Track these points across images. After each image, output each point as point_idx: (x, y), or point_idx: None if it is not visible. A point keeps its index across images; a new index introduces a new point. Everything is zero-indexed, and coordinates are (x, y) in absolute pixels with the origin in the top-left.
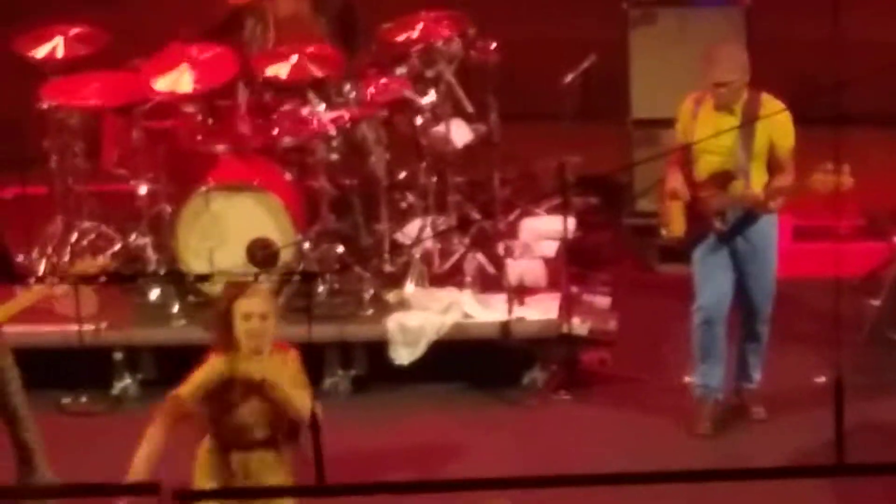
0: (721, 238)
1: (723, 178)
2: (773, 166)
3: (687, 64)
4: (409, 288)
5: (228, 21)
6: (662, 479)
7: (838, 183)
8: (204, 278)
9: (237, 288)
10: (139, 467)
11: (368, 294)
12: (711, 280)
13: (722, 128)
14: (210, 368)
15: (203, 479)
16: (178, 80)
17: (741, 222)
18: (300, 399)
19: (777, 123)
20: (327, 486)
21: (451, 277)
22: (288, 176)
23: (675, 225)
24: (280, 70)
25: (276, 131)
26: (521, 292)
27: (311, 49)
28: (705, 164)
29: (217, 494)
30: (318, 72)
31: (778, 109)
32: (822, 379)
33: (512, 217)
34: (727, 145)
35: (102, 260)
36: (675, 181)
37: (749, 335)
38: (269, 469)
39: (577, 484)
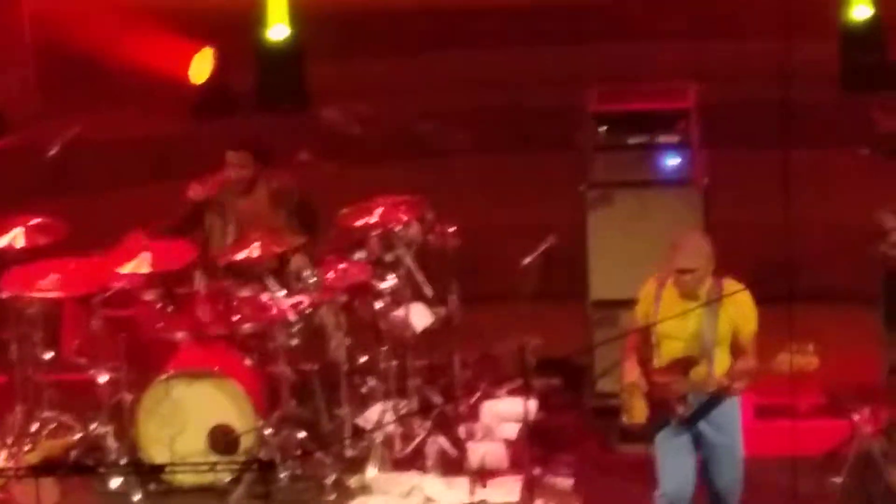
0: (683, 423)
1: (685, 364)
2: (735, 350)
3: (645, 244)
4: (371, 472)
5: (189, 217)
6: None
7: (804, 363)
8: (163, 469)
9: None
10: None
11: (330, 479)
12: (674, 466)
13: (686, 314)
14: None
15: None
16: (138, 266)
17: (704, 406)
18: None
19: (740, 309)
20: None
21: (413, 461)
22: (248, 362)
23: (636, 412)
24: (240, 254)
25: (236, 318)
26: (483, 475)
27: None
28: (668, 350)
29: None
30: (277, 248)
31: (741, 291)
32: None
33: (473, 400)
34: (691, 331)
35: (64, 441)
36: (632, 370)
37: None
38: None
39: None
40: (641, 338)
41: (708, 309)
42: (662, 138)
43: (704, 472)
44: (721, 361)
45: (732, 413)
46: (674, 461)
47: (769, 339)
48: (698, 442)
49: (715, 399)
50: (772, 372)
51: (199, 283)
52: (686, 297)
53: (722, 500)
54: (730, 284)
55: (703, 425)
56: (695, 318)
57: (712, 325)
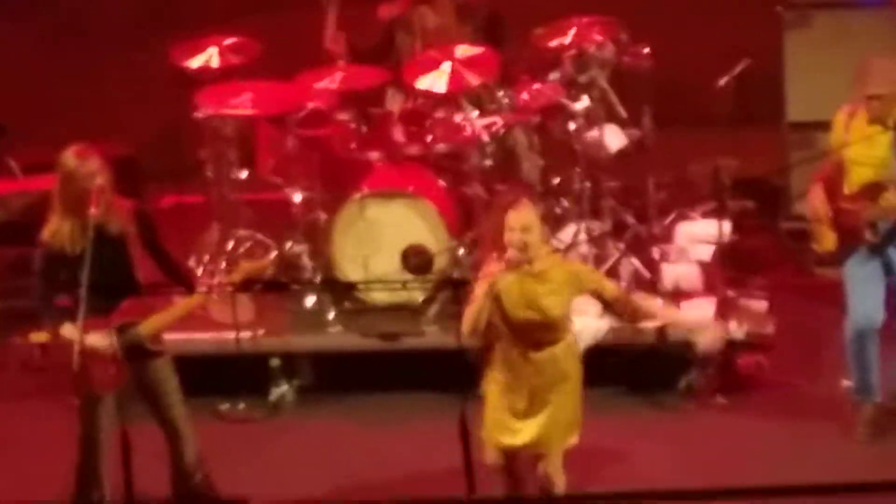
0: (873, 249)
1: (874, 190)
2: None
3: (843, 66)
4: None
5: (382, 37)
6: (820, 491)
7: None
8: (356, 286)
9: (508, 201)
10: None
11: None
12: (863, 293)
13: (875, 139)
14: (485, 278)
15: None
16: (331, 83)
17: (893, 232)
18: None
19: None
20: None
21: None
22: (442, 183)
23: (826, 241)
24: (435, 83)
25: (429, 138)
26: (677, 296)
27: (463, 55)
28: (857, 177)
29: None
30: (473, 80)
31: None
32: None
33: (667, 221)
34: (880, 156)
35: (263, 263)
36: (820, 199)
37: None
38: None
39: (733, 497)
40: (833, 166)
41: None
42: None
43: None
44: None
45: None
46: (863, 288)
47: None
48: (889, 269)
49: None
50: None
51: (393, 103)
52: (876, 123)
53: None
54: None
55: (892, 252)
56: (883, 144)
57: None
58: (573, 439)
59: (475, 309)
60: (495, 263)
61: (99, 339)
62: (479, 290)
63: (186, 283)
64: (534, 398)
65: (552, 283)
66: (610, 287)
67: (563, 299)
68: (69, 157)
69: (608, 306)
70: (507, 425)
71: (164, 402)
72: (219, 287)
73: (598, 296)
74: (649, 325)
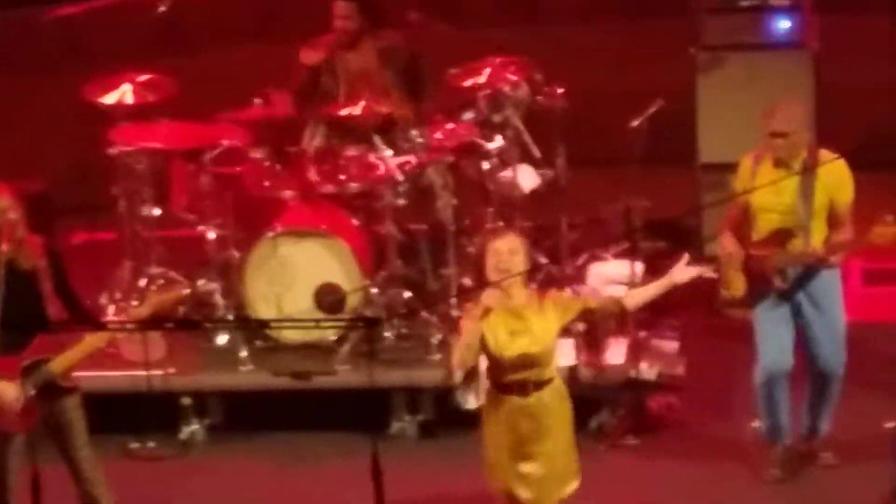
0: (782, 295)
1: (783, 236)
2: (832, 221)
3: (755, 107)
4: None
5: (307, 82)
6: None
7: None
8: (269, 323)
9: (494, 233)
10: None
11: (436, 339)
12: (772, 338)
13: (781, 186)
14: (474, 313)
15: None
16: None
17: (802, 278)
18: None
19: (836, 179)
20: None
21: None
22: (355, 221)
23: (734, 285)
24: (349, 111)
25: (343, 177)
26: (589, 337)
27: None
28: (765, 223)
29: None
30: (383, 109)
31: (837, 162)
32: (891, 425)
33: (579, 262)
34: (787, 203)
35: (174, 295)
36: (729, 243)
37: (818, 389)
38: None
39: None
40: (739, 213)
41: (803, 180)
42: (774, 1)
43: (805, 345)
44: (818, 233)
45: (832, 285)
46: (773, 333)
47: (872, 209)
48: (797, 315)
49: (812, 271)
50: (868, 244)
51: (308, 142)
52: (780, 167)
53: (823, 374)
54: (825, 154)
55: (801, 298)
56: (790, 190)
57: (808, 196)
58: (573, 486)
59: (464, 341)
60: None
61: (8, 387)
62: (467, 321)
63: (91, 322)
64: (524, 447)
65: (538, 313)
66: (591, 300)
67: (551, 327)
68: None
69: (599, 315)
70: (515, 470)
71: (72, 443)
72: (128, 323)
73: (588, 312)
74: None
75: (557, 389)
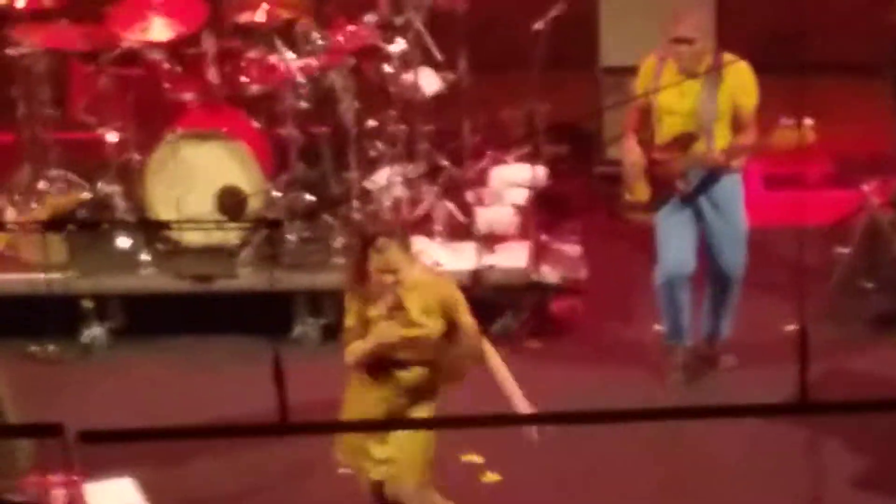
0: (684, 199)
1: (685, 140)
2: (735, 125)
3: (657, 12)
4: None
5: None
6: (635, 418)
7: (800, 137)
8: (169, 225)
9: (372, 238)
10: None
11: (338, 242)
12: (674, 241)
13: (685, 88)
14: (349, 308)
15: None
16: (149, 29)
17: (704, 182)
18: (426, 327)
19: (740, 83)
20: (290, 425)
21: (420, 225)
22: (256, 124)
23: (638, 190)
24: (250, 15)
25: (244, 79)
26: (490, 240)
27: None
28: (668, 127)
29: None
30: (286, 14)
31: (741, 66)
32: (791, 327)
33: (481, 165)
34: (690, 106)
35: (72, 198)
36: (632, 148)
37: (719, 293)
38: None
39: (548, 422)
40: (641, 115)
41: (707, 83)
42: None
43: (707, 248)
44: (721, 137)
45: (733, 190)
46: (674, 236)
47: (771, 113)
48: (699, 219)
49: (715, 175)
50: (769, 148)
51: (209, 43)
52: (685, 73)
53: (724, 277)
54: (729, 59)
55: (703, 202)
56: (693, 94)
57: (711, 99)
58: (419, 478)
59: (356, 346)
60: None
61: None
62: (350, 321)
63: None
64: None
65: (421, 295)
66: (466, 320)
67: (435, 310)
68: None
69: (457, 335)
70: (365, 450)
71: None
72: (27, 224)
73: (454, 324)
74: (462, 268)
75: (425, 379)
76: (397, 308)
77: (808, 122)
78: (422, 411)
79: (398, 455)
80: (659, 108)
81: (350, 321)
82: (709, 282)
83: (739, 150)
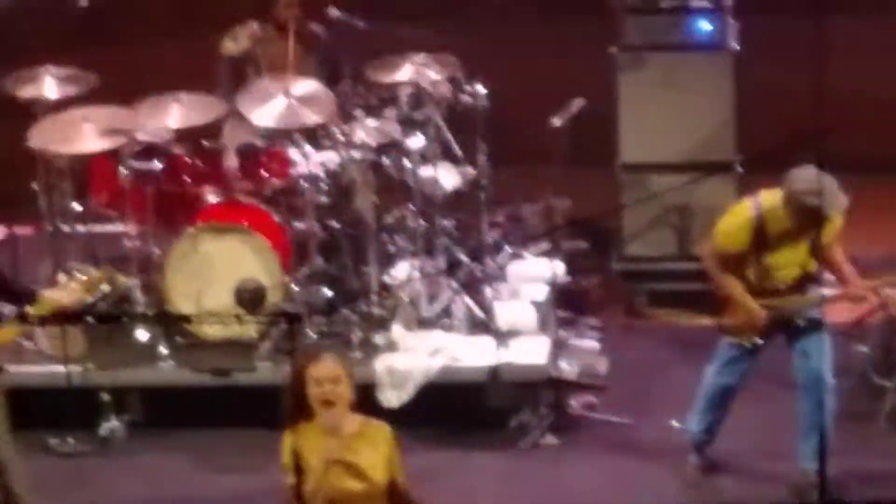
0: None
1: (802, 283)
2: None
3: (676, 108)
4: (397, 331)
5: (229, 73)
6: None
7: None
8: (189, 318)
9: (308, 355)
10: None
11: (356, 336)
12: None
13: (800, 244)
14: (285, 447)
15: None
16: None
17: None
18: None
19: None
20: None
21: (438, 321)
22: (276, 218)
23: (754, 331)
24: (271, 117)
25: (264, 173)
26: (509, 336)
27: (300, 92)
28: (786, 275)
29: None
30: (309, 118)
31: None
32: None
33: (500, 260)
34: (802, 258)
35: (74, 288)
36: (745, 295)
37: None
38: None
39: None
40: (731, 262)
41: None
42: (695, 2)
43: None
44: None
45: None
46: (719, 400)
47: None
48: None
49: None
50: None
51: (230, 137)
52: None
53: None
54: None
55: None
56: (804, 246)
57: (818, 248)
58: None
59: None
60: (303, 431)
61: None
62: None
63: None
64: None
65: (370, 444)
66: (404, 482)
67: (384, 461)
68: None
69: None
70: None
71: None
72: (47, 317)
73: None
74: (481, 364)
75: None
76: (343, 458)
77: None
78: None
79: None
80: (769, 263)
81: (288, 466)
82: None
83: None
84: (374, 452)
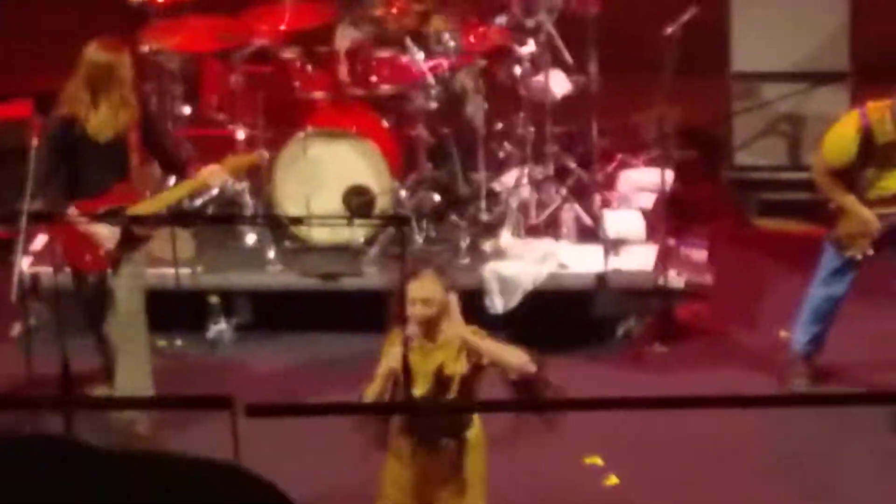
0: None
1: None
2: None
3: (788, 16)
4: (506, 237)
5: None
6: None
7: None
8: (299, 220)
9: (412, 271)
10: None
11: (465, 243)
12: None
13: None
14: (386, 354)
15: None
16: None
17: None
18: (509, 354)
19: None
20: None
21: (547, 228)
22: (386, 124)
23: (866, 241)
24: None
25: (374, 79)
26: (617, 244)
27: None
28: (893, 185)
29: (292, 410)
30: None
31: None
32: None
33: (610, 168)
34: None
35: (255, 156)
36: (858, 205)
37: None
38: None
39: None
40: (838, 172)
41: None
42: None
43: None
44: None
45: None
46: (824, 311)
47: None
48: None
49: None
50: None
51: (341, 42)
52: None
53: None
54: None
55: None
56: None
57: None
58: None
59: (374, 392)
60: (398, 339)
61: (101, 227)
62: (381, 369)
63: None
64: (426, 494)
65: (454, 358)
66: (489, 348)
67: (464, 368)
68: (102, 49)
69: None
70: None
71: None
72: (157, 219)
73: (479, 368)
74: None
75: (473, 441)
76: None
77: None
78: (466, 480)
79: None
80: (877, 173)
81: (383, 368)
82: None
83: None
84: (454, 360)
